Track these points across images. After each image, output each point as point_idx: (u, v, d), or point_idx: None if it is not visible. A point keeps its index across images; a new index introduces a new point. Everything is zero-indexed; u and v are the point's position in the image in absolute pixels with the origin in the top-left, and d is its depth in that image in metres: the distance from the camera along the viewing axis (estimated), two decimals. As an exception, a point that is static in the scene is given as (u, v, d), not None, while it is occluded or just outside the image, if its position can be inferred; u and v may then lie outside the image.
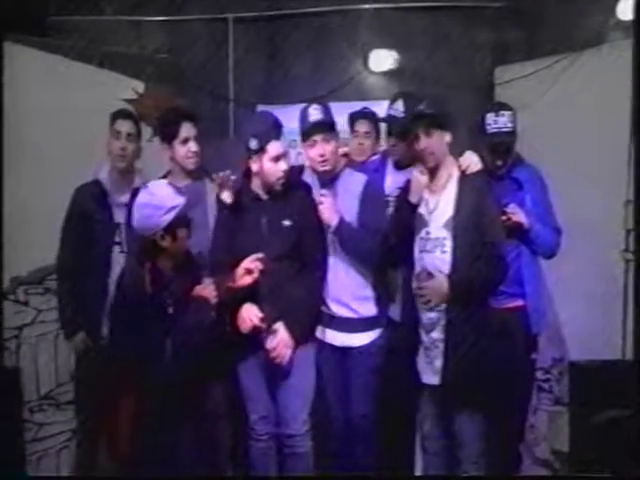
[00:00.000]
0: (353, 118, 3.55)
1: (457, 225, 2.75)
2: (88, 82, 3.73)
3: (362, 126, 3.47)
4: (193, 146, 3.11)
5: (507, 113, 3.13)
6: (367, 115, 3.50)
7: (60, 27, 4.35)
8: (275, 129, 2.95)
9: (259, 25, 4.59)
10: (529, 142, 3.29)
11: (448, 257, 2.74)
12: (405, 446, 3.18)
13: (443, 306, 2.72)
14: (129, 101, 3.99)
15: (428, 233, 2.80)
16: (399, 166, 3.24)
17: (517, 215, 3.02)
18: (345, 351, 3.04)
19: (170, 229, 2.68)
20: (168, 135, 3.12)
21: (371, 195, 3.03)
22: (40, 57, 3.67)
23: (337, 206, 2.96)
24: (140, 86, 4.08)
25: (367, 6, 4.50)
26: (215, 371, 3.00)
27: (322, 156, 2.97)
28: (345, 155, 3.18)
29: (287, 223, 2.94)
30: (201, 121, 3.20)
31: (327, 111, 3.03)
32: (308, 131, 2.99)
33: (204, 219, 3.08)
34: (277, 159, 2.92)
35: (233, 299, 2.85)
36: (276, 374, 2.95)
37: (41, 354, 3.56)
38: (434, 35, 4.41)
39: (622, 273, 3.47)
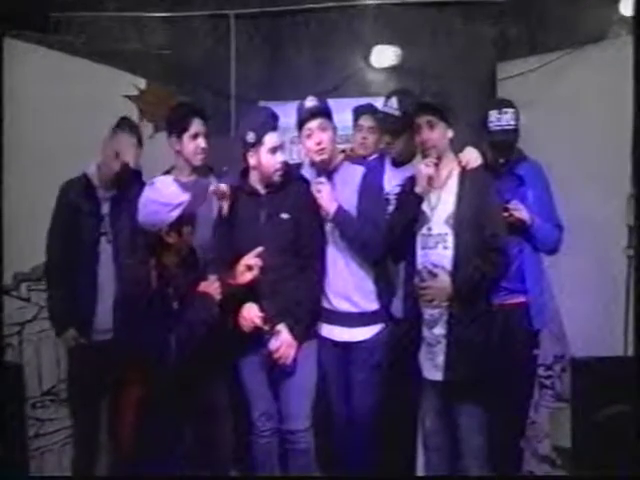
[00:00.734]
0: (358, 112, 3.54)
1: (459, 221, 2.75)
2: (90, 78, 3.72)
3: (367, 121, 3.47)
4: (202, 142, 3.12)
5: (510, 110, 3.13)
6: (371, 110, 3.50)
7: (62, 23, 4.35)
8: (271, 121, 2.97)
9: (261, 21, 4.58)
10: (531, 138, 3.28)
11: (450, 253, 2.75)
12: (407, 442, 3.18)
13: (445, 302, 2.72)
14: (130, 97, 3.99)
15: (430, 229, 2.80)
16: (397, 164, 3.24)
17: (519, 211, 3.02)
18: (346, 346, 3.04)
19: (176, 225, 2.68)
20: (178, 129, 3.12)
21: (369, 186, 3.03)
22: (42, 53, 3.67)
23: (335, 194, 2.96)
24: (142, 82, 4.08)
25: (369, 2, 4.49)
26: (218, 368, 3.01)
27: (319, 144, 2.97)
28: (343, 152, 3.18)
29: (285, 217, 2.95)
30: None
31: (323, 100, 3.05)
32: (304, 118, 2.99)
33: (210, 215, 3.09)
34: (274, 150, 2.93)
35: (234, 296, 2.86)
36: (278, 371, 2.95)
37: (43, 350, 3.56)
38: (436, 31, 4.40)
39: (624, 270, 3.46)
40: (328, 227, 3.02)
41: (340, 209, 2.94)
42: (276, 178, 2.96)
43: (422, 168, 2.81)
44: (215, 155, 3.29)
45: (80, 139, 3.46)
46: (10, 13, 3.10)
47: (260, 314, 2.88)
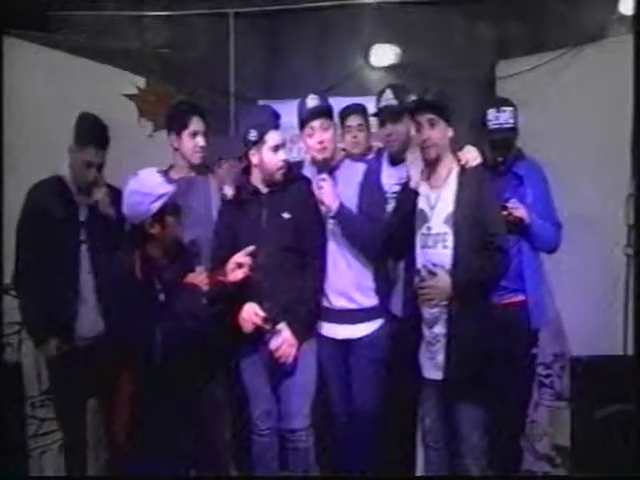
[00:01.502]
0: (344, 115, 3.54)
1: (458, 220, 2.75)
2: (89, 77, 3.72)
3: (354, 120, 3.47)
4: (201, 141, 3.12)
5: (509, 109, 3.13)
6: (357, 109, 3.51)
7: (61, 22, 4.34)
8: (273, 120, 2.98)
9: (260, 20, 4.58)
10: (530, 137, 3.28)
11: (450, 252, 2.74)
12: (407, 441, 3.19)
13: (445, 302, 2.72)
14: (130, 96, 3.99)
15: (429, 229, 2.80)
16: (394, 162, 3.24)
17: (518, 210, 3.02)
18: (347, 343, 3.04)
19: (158, 216, 2.69)
20: (177, 126, 3.12)
21: (371, 183, 3.04)
22: (41, 52, 3.67)
23: (337, 191, 2.96)
24: (141, 81, 4.08)
25: (369, 1, 4.48)
26: (217, 367, 3.01)
27: (321, 143, 2.99)
28: (344, 150, 3.19)
29: (286, 216, 2.95)
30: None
31: (324, 99, 3.06)
32: (306, 118, 3.01)
33: (208, 214, 3.10)
34: (276, 149, 2.94)
35: (227, 294, 2.85)
36: (278, 369, 2.95)
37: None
38: (436, 30, 4.39)
39: (623, 268, 3.46)
40: (329, 225, 3.02)
41: (342, 205, 2.95)
42: (278, 176, 2.96)
43: (411, 160, 2.83)
44: (214, 154, 3.29)
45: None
46: (10, 12, 3.10)
47: (261, 313, 2.88)
